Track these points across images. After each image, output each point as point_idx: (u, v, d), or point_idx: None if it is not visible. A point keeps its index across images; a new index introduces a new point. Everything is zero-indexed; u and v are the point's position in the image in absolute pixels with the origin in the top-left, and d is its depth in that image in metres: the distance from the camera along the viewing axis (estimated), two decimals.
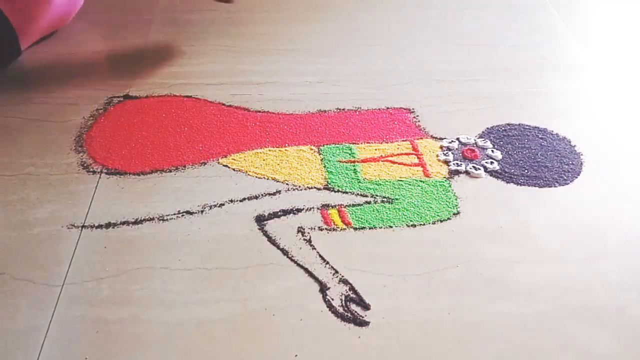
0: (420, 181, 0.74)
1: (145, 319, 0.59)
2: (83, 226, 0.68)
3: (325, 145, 0.78)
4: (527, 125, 0.83)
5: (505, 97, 0.88)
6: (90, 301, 0.60)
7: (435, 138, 0.81)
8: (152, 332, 0.58)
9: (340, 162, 0.76)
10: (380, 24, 1.04)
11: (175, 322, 0.58)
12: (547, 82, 0.91)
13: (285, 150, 0.78)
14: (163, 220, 0.69)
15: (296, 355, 0.56)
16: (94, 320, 0.59)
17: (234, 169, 0.75)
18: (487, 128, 0.82)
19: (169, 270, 0.63)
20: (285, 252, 0.65)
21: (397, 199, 0.72)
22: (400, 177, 0.74)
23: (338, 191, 0.72)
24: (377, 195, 0.72)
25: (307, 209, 0.70)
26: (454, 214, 0.70)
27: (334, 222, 0.69)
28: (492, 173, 0.76)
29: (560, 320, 0.59)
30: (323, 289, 0.62)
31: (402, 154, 0.78)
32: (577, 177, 0.75)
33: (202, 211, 0.70)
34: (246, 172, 0.75)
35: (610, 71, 0.94)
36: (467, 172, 0.75)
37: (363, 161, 0.77)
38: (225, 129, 0.81)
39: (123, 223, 0.68)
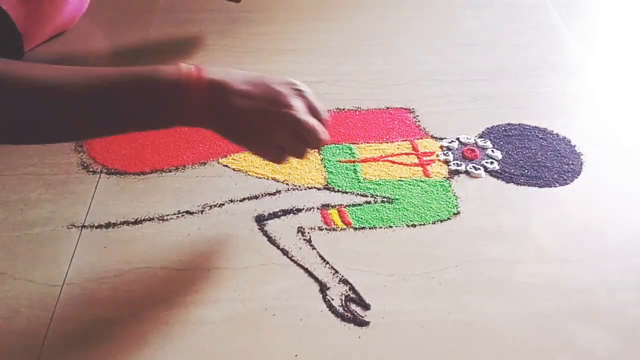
0: (420, 181, 0.74)
1: (145, 319, 0.59)
2: (83, 226, 0.68)
3: (325, 145, 0.78)
4: (527, 125, 0.83)
5: (505, 97, 0.88)
6: (90, 301, 0.60)
7: (435, 138, 0.81)
8: (152, 332, 0.58)
9: (340, 162, 0.76)
10: (380, 24, 1.04)
11: (175, 322, 0.58)
12: (547, 82, 0.91)
13: None
14: (163, 220, 0.69)
15: (296, 355, 0.56)
16: (94, 320, 0.59)
17: (234, 169, 0.75)
18: (487, 128, 0.82)
19: (169, 270, 0.63)
20: (285, 252, 0.65)
21: (397, 199, 0.72)
22: (400, 177, 0.74)
23: (338, 191, 0.73)
24: (377, 195, 0.72)
25: (307, 209, 0.70)
26: (454, 214, 0.70)
27: (334, 222, 0.69)
28: (492, 173, 0.76)
29: (560, 320, 0.59)
30: (323, 289, 0.62)
31: (402, 153, 0.78)
32: (577, 177, 0.75)
33: (202, 211, 0.70)
34: (246, 172, 0.75)
35: (611, 71, 0.94)
36: (467, 172, 0.75)
37: (363, 161, 0.77)
38: None
39: (123, 223, 0.68)
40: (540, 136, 0.81)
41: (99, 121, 0.56)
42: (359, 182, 0.74)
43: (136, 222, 0.68)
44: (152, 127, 0.59)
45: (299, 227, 0.68)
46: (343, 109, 0.85)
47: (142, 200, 0.71)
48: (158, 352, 0.56)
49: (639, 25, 1.06)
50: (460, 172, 0.75)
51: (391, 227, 0.68)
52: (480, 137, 0.81)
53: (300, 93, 0.61)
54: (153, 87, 0.55)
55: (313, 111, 0.61)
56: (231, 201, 0.71)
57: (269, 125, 0.58)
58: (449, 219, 0.69)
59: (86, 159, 0.76)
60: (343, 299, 0.61)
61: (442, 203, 0.71)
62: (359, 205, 0.71)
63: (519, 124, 0.83)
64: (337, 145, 0.79)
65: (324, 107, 0.62)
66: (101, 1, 1.07)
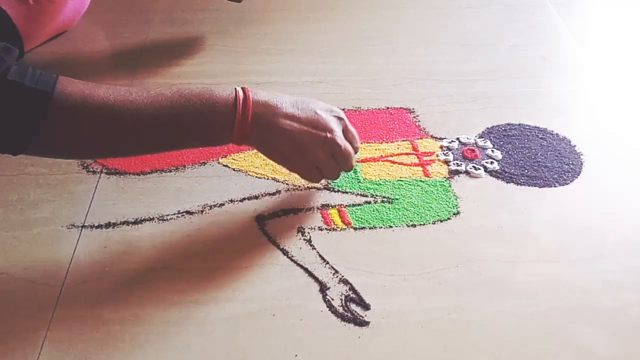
0: (420, 181, 0.74)
1: (145, 319, 0.59)
2: (83, 226, 0.68)
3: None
4: (527, 125, 0.83)
5: (505, 97, 0.88)
6: (90, 301, 0.60)
7: (435, 138, 0.81)
8: (152, 332, 0.58)
9: None
10: (380, 24, 1.04)
11: (175, 322, 0.58)
12: (547, 82, 0.91)
13: None
14: (163, 220, 0.69)
15: (296, 355, 0.56)
16: (94, 320, 0.59)
17: (234, 169, 0.75)
18: (487, 128, 0.82)
19: (168, 270, 0.63)
20: (285, 252, 0.65)
21: (397, 199, 0.72)
22: (400, 177, 0.74)
23: (338, 191, 0.73)
24: (377, 195, 0.72)
25: (307, 209, 0.70)
26: (454, 214, 0.70)
27: (334, 222, 0.69)
28: (492, 173, 0.76)
29: (560, 320, 0.59)
30: (323, 289, 0.62)
31: (402, 153, 0.78)
32: (577, 177, 0.75)
33: (202, 211, 0.70)
34: (246, 172, 0.75)
35: (610, 71, 0.94)
36: (467, 172, 0.75)
37: (363, 161, 0.77)
38: None
39: (123, 223, 0.68)
40: (540, 136, 0.81)
41: (161, 138, 0.61)
42: (359, 182, 0.74)
43: (136, 222, 0.68)
44: (207, 144, 0.64)
45: (299, 227, 0.68)
46: (343, 109, 0.85)
47: (142, 200, 0.71)
48: (158, 352, 0.56)
49: (638, 26, 1.06)
50: (460, 172, 0.75)
51: (391, 227, 0.68)
52: (480, 137, 0.81)
53: (340, 120, 0.67)
54: (210, 106, 0.60)
55: (349, 137, 0.67)
56: (231, 201, 0.71)
57: (310, 147, 0.64)
58: (449, 219, 0.69)
59: None
60: (343, 299, 0.61)
61: (442, 203, 0.71)
62: (359, 205, 0.71)
63: (519, 124, 0.83)
64: None
65: (357, 135, 0.69)
66: (101, 1, 1.07)
